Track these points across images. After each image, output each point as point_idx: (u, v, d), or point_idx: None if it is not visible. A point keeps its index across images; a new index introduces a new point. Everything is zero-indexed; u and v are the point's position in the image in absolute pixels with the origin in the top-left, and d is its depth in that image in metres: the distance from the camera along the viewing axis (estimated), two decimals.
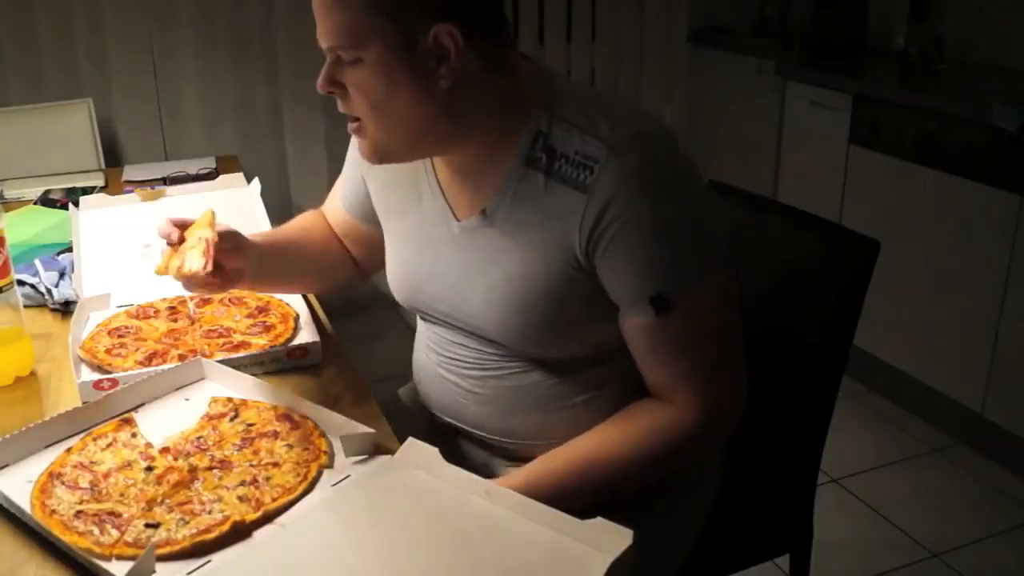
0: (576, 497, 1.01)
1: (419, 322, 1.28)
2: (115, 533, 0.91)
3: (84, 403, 1.13)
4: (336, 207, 1.35)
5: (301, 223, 1.38)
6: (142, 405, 1.16)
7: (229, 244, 1.15)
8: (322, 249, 1.35)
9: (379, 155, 1.07)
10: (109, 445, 1.07)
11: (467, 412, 1.20)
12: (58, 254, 1.64)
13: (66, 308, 1.47)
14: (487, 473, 1.21)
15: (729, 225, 1.08)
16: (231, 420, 1.12)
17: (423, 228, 1.15)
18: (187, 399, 1.18)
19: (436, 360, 1.22)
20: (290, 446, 1.05)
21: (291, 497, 0.97)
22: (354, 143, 1.26)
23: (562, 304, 1.06)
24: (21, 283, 1.48)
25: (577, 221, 1.01)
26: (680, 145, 1.04)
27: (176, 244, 1.14)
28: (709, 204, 1.06)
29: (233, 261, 1.16)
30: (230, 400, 1.16)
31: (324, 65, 1.02)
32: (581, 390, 1.13)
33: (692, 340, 1.04)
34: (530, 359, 1.12)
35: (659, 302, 1.01)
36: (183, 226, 1.15)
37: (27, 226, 1.83)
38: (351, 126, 1.06)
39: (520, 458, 1.18)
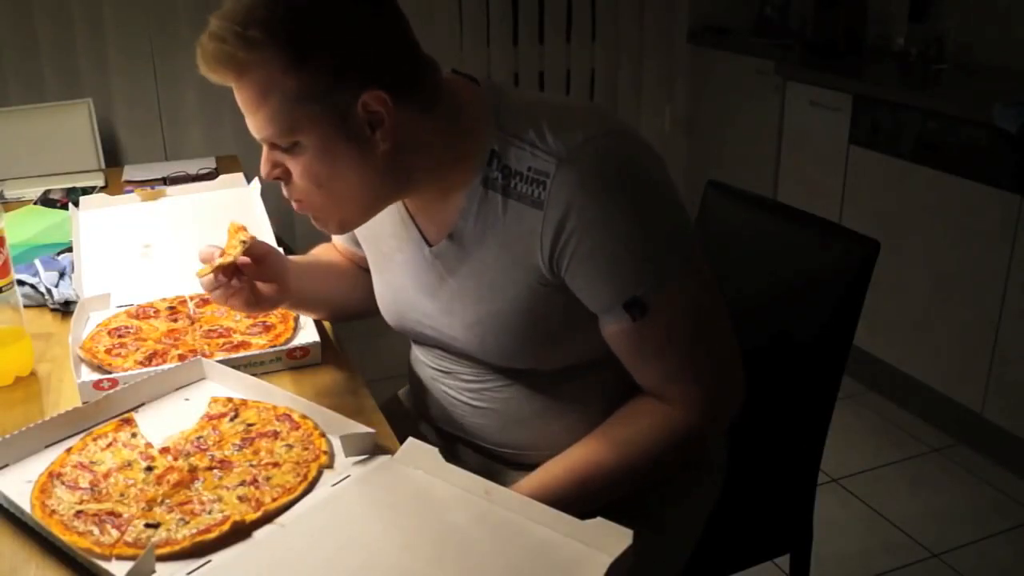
0: (579, 503, 1.00)
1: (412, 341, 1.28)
2: (115, 533, 0.91)
3: (84, 403, 1.13)
4: (337, 237, 1.36)
5: (324, 250, 1.38)
6: (142, 405, 1.16)
7: (261, 252, 1.16)
8: (350, 270, 1.35)
9: (339, 226, 1.09)
10: (109, 445, 1.07)
11: (465, 423, 1.20)
12: (58, 254, 1.64)
13: (66, 308, 1.47)
14: (488, 478, 1.21)
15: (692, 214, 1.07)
16: (231, 420, 1.12)
17: (400, 254, 1.15)
18: (187, 399, 1.18)
19: (432, 374, 1.23)
20: (290, 446, 1.05)
21: (291, 497, 0.97)
22: None
23: (537, 320, 1.05)
24: (21, 283, 1.48)
25: (537, 238, 1.00)
26: (635, 142, 1.02)
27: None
28: (670, 197, 1.02)
29: (270, 278, 1.16)
30: (230, 400, 1.16)
31: (263, 155, 1.02)
32: (577, 397, 1.13)
33: (674, 338, 1.03)
34: (522, 372, 1.12)
35: (634, 307, 1.00)
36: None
37: (27, 226, 1.83)
38: (296, 206, 1.05)
39: (521, 464, 1.18)
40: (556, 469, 1.07)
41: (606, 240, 0.98)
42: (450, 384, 1.20)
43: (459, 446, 1.24)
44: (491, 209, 1.03)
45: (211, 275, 1.12)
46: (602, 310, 1.03)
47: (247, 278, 1.15)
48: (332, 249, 1.39)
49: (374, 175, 1.00)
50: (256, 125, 0.99)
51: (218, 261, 1.12)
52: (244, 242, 1.14)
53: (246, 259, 1.14)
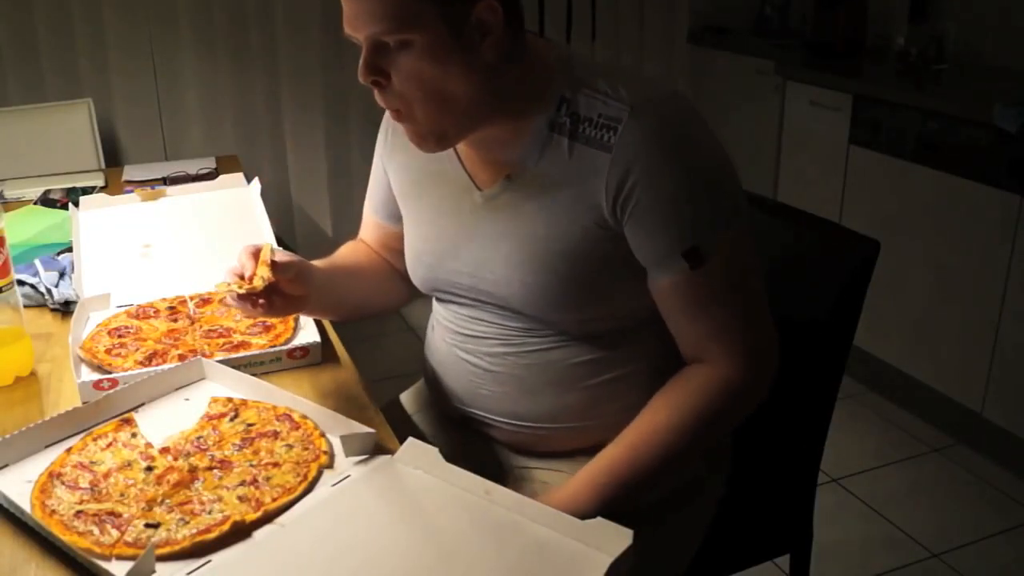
0: (643, 475, 1.06)
1: (435, 306, 1.28)
2: (115, 533, 0.91)
3: (84, 403, 1.13)
4: (368, 221, 1.36)
5: (347, 250, 1.37)
6: (142, 405, 1.16)
7: (291, 273, 1.13)
8: (374, 269, 1.35)
9: (436, 140, 1.06)
10: (109, 445, 1.07)
11: (481, 394, 1.20)
12: (58, 254, 1.64)
13: (66, 308, 1.47)
14: (498, 467, 1.22)
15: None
16: (231, 420, 1.12)
17: (444, 202, 1.16)
18: (187, 399, 1.18)
19: (453, 341, 1.22)
20: (290, 446, 1.05)
21: (291, 497, 0.97)
22: (379, 150, 1.28)
23: (585, 264, 1.07)
24: (21, 283, 1.48)
25: (603, 180, 1.03)
26: (695, 108, 1.07)
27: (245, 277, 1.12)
28: (726, 159, 1.08)
29: (296, 288, 1.15)
30: (230, 400, 1.16)
31: (362, 55, 0.99)
32: (598, 371, 1.14)
33: (725, 292, 1.06)
34: (550, 334, 1.13)
35: (692, 255, 1.03)
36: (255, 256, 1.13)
37: (27, 226, 1.83)
38: (392, 115, 1.06)
39: (530, 450, 1.19)
40: (613, 447, 1.08)
41: (670, 189, 1.02)
42: (470, 350, 1.20)
43: (470, 432, 1.24)
44: (556, 152, 1.06)
45: (233, 294, 1.10)
46: (659, 260, 1.05)
47: (269, 296, 1.12)
48: (358, 246, 1.38)
49: (476, 85, 1.01)
50: (367, 18, 0.97)
51: (245, 288, 1.09)
52: (266, 277, 1.10)
53: (271, 278, 1.10)
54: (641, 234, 1.04)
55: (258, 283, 1.09)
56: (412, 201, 1.23)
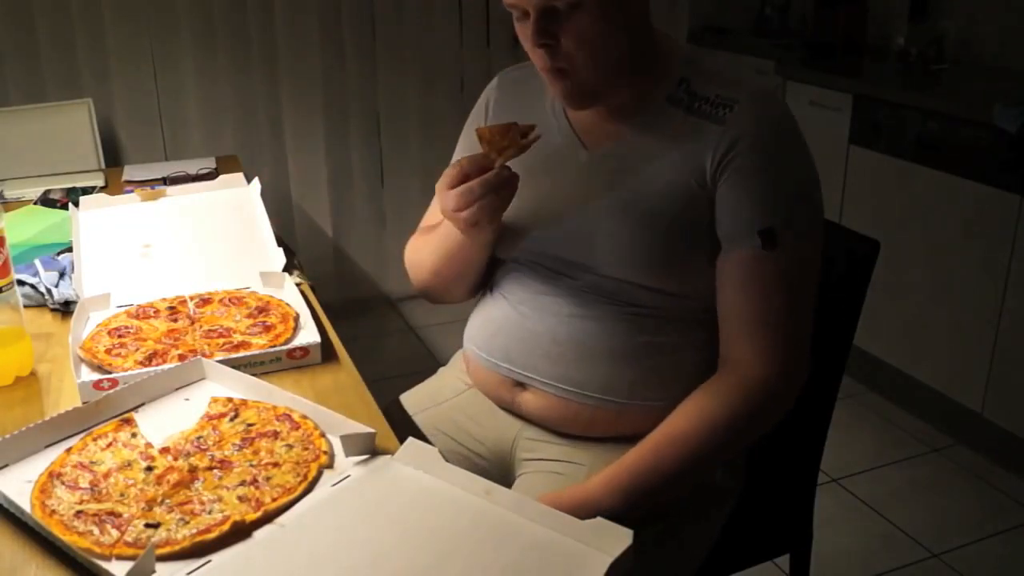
0: (665, 479, 1.09)
1: (505, 268, 1.28)
2: (115, 533, 0.91)
3: (84, 403, 1.13)
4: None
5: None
6: (142, 405, 1.16)
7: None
8: None
9: (590, 96, 1.15)
10: (109, 445, 1.07)
11: (535, 355, 1.21)
12: (58, 254, 1.64)
13: (66, 308, 1.47)
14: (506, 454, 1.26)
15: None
16: (231, 420, 1.12)
17: (547, 157, 1.19)
18: (187, 399, 1.18)
19: (518, 299, 1.24)
20: (290, 446, 1.05)
21: (291, 497, 0.97)
22: (476, 120, 1.34)
23: (676, 225, 1.13)
24: (21, 283, 1.48)
25: (711, 147, 1.11)
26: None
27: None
28: (817, 175, 1.16)
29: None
30: (230, 400, 1.16)
31: (532, 22, 1.09)
32: (655, 351, 1.18)
33: (783, 285, 1.11)
34: (623, 303, 1.17)
35: (767, 235, 1.09)
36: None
37: (27, 226, 1.83)
38: (555, 74, 1.13)
39: (558, 427, 1.22)
40: (643, 444, 1.11)
41: (769, 169, 1.10)
42: (539, 306, 1.21)
43: (515, 397, 1.25)
44: (669, 122, 1.15)
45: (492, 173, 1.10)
46: (736, 232, 1.11)
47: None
48: None
49: (628, 43, 1.12)
50: None
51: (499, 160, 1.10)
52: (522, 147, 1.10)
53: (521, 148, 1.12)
54: (730, 199, 1.11)
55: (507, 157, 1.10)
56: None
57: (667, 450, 1.09)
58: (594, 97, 1.16)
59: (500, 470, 1.28)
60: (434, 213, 1.38)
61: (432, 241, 1.31)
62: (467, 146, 1.34)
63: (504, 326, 1.25)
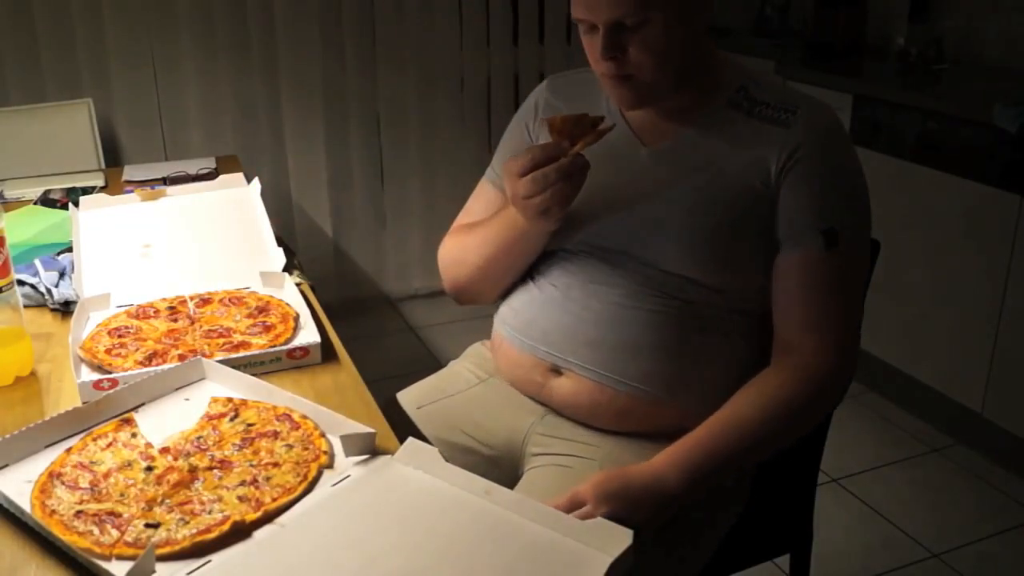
0: (726, 460, 1.11)
1: (552, 258, 1.28)
2: (115, 533, 0.91)
3: (84, 403, 1.13)
4: (492, 197, 1.36)
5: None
6: (142, 405, 1.16)
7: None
8: None
9: (649, 98, 1.20)
10: (109, 445, 1.07)
11: (577, 340, 1.22)
12: (58, 254, 1.64)
13: (66, 308, 1.47)
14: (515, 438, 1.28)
15: None
16: (231, 420, 1.12)
17: (604, 157, 1.19)
18: (187, 399, 1.18)
19: (568, 284, 1.24)
20: (290, 446, 1.05)
21: (291, 497, 0.97)
22: (525, 118, 1.37)
23: (738, 219, 1.17)
24: (21, 283, 1.48)
25: (776, 148, 1.16)
26: None
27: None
28: (863, 175, 1.21)
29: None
30: (230, 400, 1.16)
31: (601, 37, 1.14)
32: (698, 353, 1.20)
33: (841, 285, 1.17)
34: (674, 297, 1.19)
35: (830, 235, 1.14)
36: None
37: (27, 226, 1.83)
38: (618, 80, 1.17)
39: (582, 417, 1.23)
40: (699, 430, 1.12)
41: (832, 172, 1.17)
42: (590, 292, 1.22)
43: (553, 379, 1.25)
44: (731, 124, 1.20)
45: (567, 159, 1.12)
46: (799, 231, 1.15)
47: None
48: None
49: (690, 53, 1.18)
50: (612, 5, 1.11)
51: (571, 151, 1.12)
52: (600, 132, 1.14)
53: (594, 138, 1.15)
54: (792, 200, 1.15)
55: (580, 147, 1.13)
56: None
57: (731, 432, 1.12)
58: (654, 99, 1.21)
59: (509, 463, 1.28)
60: (472, 211, 1.39)
61: (482, 234, 1.31)
62: (512, 147, 1.35)
63: (548, 311, 1.26)
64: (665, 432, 1.17)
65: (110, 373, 1.22)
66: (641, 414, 1.20)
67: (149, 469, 1.02)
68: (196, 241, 1.62)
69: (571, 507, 1.01)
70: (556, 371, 1.24)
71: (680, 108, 1.22)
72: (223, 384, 1.21)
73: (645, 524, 1.04)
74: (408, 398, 1.39)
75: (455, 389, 1.37)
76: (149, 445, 1.07)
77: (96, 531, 0.91)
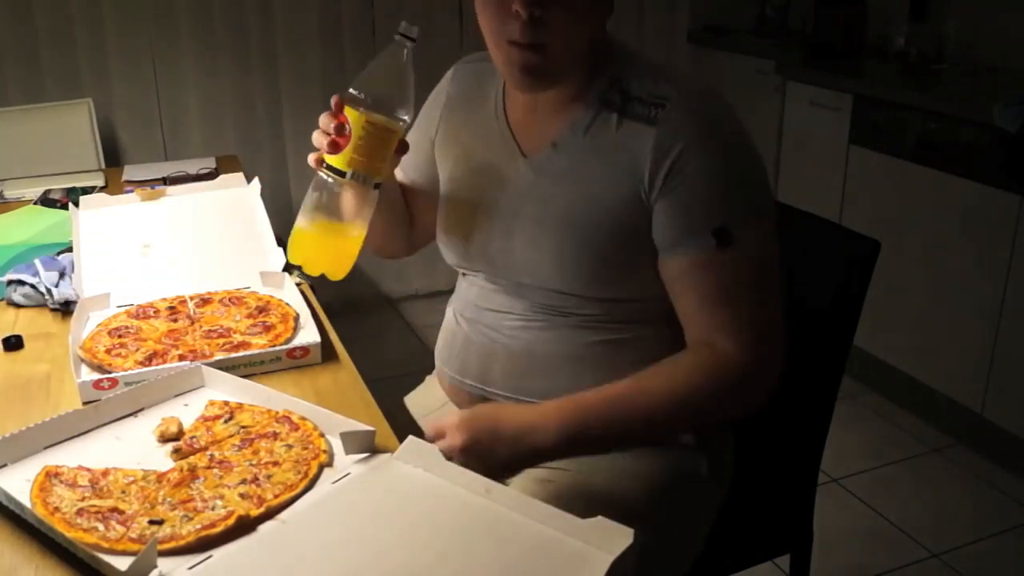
0: (614, 426, 1.07)
1: (459, 284, 1.31)
2: (120, 529, 0.91)
3: (84, 403, 1.13)
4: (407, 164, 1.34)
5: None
6: (141, 410, 1.16)
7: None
8: (403, 207, 1.35)
9: (551, 76, 1.11)
10: None
11: (493, 369, 1.22)
12: (58, 254, 1.64)
13: (66, 308, 1.47)
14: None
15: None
16: (225, 422, 1.12)
17: (488, 164, 1.19)
18: (186, 405, 1.18)
19: (474, 314, 1.25)
20: (289, 446, 1.05)
21: (293, 493, 0.97)
22: (432, 111, 1.31)
23: (620, 234, 1.11)
24: (21, 283, 1.48)
25: (647, 152, 1.08)
26: (730, 103, 1.13)
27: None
28: (759, 156, 1.13)
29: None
30: (226, 404, 1.16)
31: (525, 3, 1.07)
32: (613, 347, 1.17)
33: (745, 279, 1.09)
34: (573, 313, 1.16)
35: (722, 234, 1.07)
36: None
37: (27, 226, 1.83)
38: (529, 51, 1.08)
39: None
40: (592, 395, 1.09)
41: (711, 169, 1.07)
42: (490, 323, 1.22)
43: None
44: (604, 125, 1.12)
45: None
46: (687, 236, 1.08)
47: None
48: None
49: (595, 31, 1.11)
50: None
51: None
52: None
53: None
54: (674, 206, 1.08)
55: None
56: (454, 164, 1.25)
57: (627, 402, 1.08)
58: (554, 78, 1.12)
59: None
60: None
61: None
62: (423, 131, 1.32)
63: (462, 344, 1.27)
64: None
65: (110, 373, 1.22)
66: None
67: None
68: (196, 241, 1.62)
69: (438, 436, 1.03)
70: (485, 401, 1.24)
71: (552, 109, 1.15)
72: (222, 390, 1.20)
73: (502, 468, 1.04)
74: (414, 403, 1.39)
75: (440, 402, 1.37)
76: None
77: (101, 527, 0.91)
